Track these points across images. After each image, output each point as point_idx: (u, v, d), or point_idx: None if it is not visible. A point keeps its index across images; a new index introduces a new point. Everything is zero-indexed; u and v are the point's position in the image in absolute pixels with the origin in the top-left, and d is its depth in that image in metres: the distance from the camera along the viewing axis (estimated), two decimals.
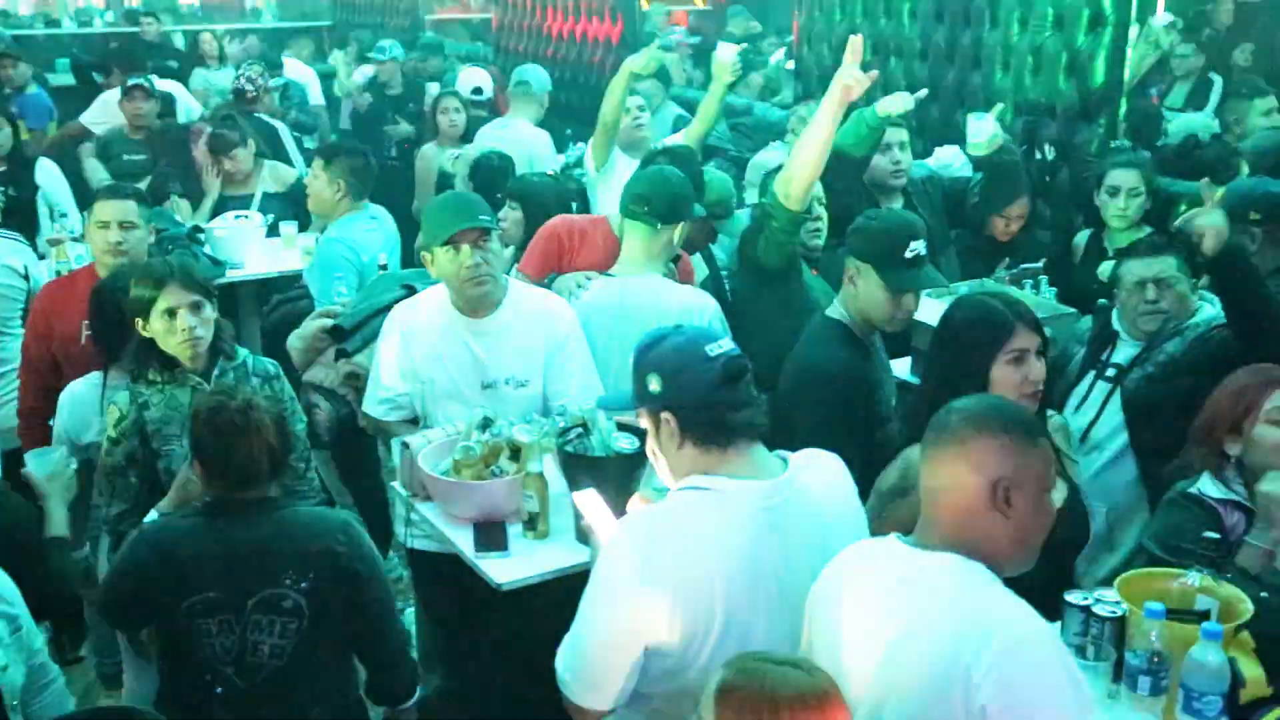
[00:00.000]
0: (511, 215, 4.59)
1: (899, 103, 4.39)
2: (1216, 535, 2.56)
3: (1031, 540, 2.05)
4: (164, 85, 7.47)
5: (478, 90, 6.96)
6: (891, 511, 2.81)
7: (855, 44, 3.64)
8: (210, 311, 3.32)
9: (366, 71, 8.34)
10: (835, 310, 3.37)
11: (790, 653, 2.23)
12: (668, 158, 4.30)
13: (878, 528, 2.74)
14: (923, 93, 4.50)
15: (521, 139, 6.22)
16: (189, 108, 7.96)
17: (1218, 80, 7.37)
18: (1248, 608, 2.38)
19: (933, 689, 1.91)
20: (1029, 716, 1.87)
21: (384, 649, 2.89)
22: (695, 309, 3.63)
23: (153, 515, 2.99)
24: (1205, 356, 3.39)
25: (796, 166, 3.73)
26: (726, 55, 5.05)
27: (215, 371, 3.33)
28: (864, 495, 2.75)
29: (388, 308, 3.64)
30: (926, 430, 2.11)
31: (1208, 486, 2.84)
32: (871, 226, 3.40)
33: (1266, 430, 2.78)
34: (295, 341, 3.94)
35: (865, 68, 3.66)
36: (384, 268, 4.59)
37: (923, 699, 1.93)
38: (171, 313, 3.25)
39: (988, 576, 1.99)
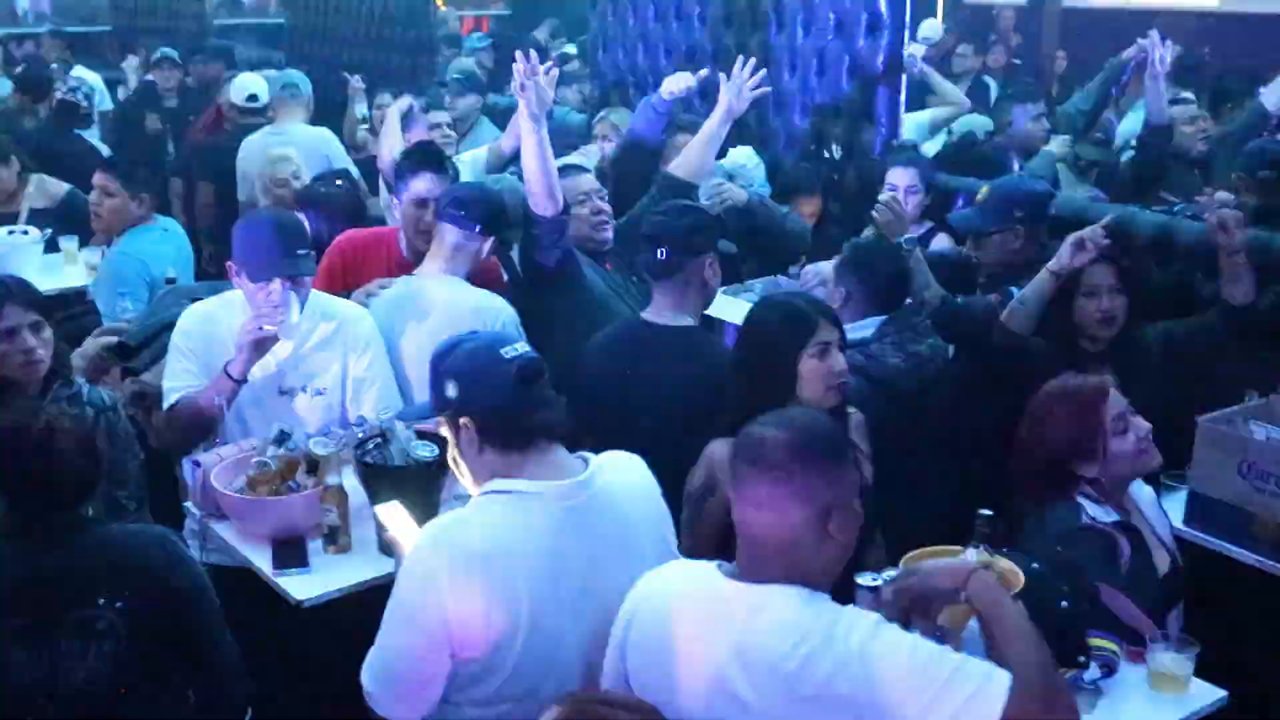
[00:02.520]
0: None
1: (680, 82, 4.52)
2: (990, 512, 2.69)
3: (852, 548, 2.08)
4: None
5: (253, 97, 6.70)
6: (706, 511, 2.87)
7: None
8: (49, 333, 3.14)
9: None
10: (685, 320, 3.40)
11: (598, 660, 2.27)
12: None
13: (697, 530, 2.80)
14: (704, 72, 4.62)
15: (305, 142, 6.02)
16: None
17: (993, 82, 7.78)
18: (1021, 579, 2.52)
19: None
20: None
21: (213, 667, 2.74)
22: (489, 312, 3.63)
23: None
24: None
25: (526, 175, 3.78)
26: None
27: (49, 398, 3.14)
28: None
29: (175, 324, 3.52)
30: (738, 462, 2.07)
31: (1096, 511, 2.85)
32: (701, 219, 3.52)
33: (1119, 442, 2.84)
34: (77, 360, 3.75)
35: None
36: (172, 281, 4.44)
37: None
38: (12, 332, 3.07)
39: (825, 599, 2.01)
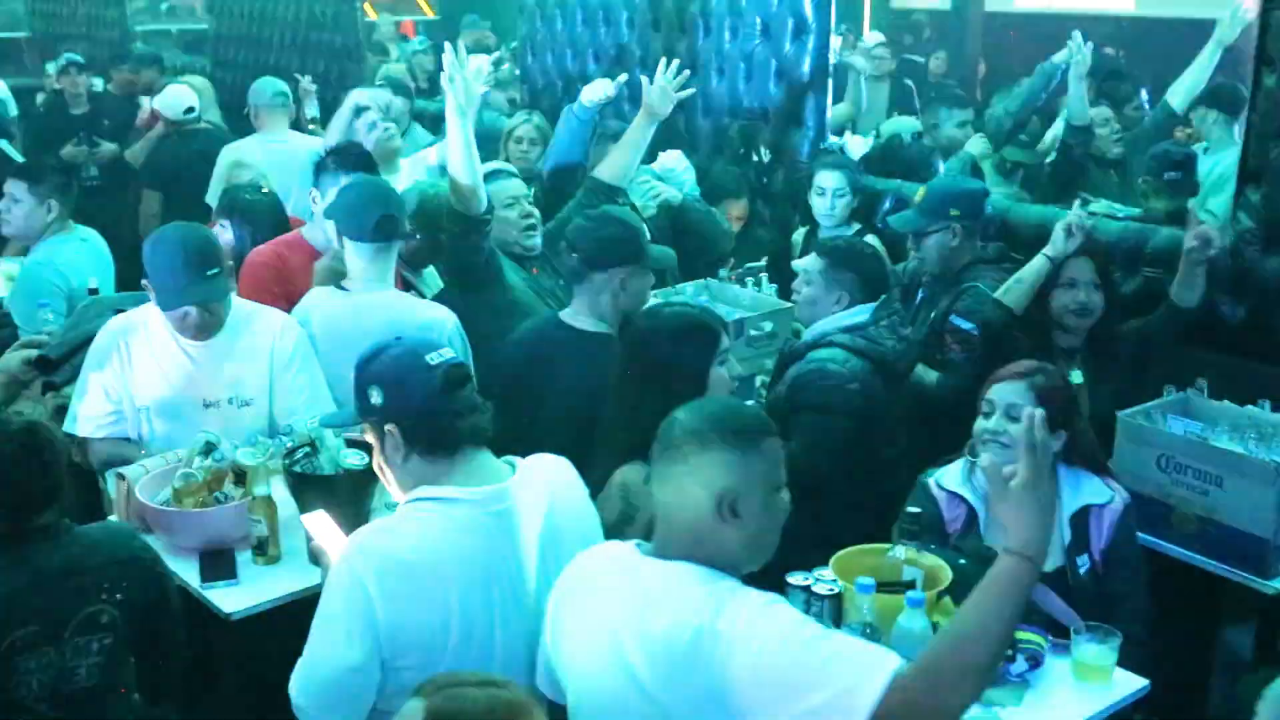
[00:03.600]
0: (223, 235, 4.40)
1: (598, 89, 4.53)
2: (918, 510, 2.73)
3: (765, 540, 2.09)
4: None
5: (190, 110, 6.51)
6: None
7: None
8: None
9: None
10: (597, 325, 3.38)
11: (530, 663, 2.28)
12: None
13: None
14: (623, 77, 4.63)
15: (305, 150, 5.88)
16: None
17: (912, 85, 7.88)
18: (948, 575, 2.56)
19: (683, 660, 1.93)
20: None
21: (175, 646, 2.76)
22: (434, 325, 3.56)
23: None
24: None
25: (451, 174, 3.79)
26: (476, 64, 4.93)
27: None
28: None
29: None
30: (656, 442, 2.11)
31: (947, 477, 2.98)
32: (618, 233, 3.48)
33: (979, 421, 2.94)
34: None
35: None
36: (94, 292, 4.35)
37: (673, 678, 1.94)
38: None
39: (729, 579, 2.02)
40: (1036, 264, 3.68)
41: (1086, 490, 2.96)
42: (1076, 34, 5.28)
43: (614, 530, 2.77)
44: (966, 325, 3.82)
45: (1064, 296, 3.67)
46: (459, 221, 3.81)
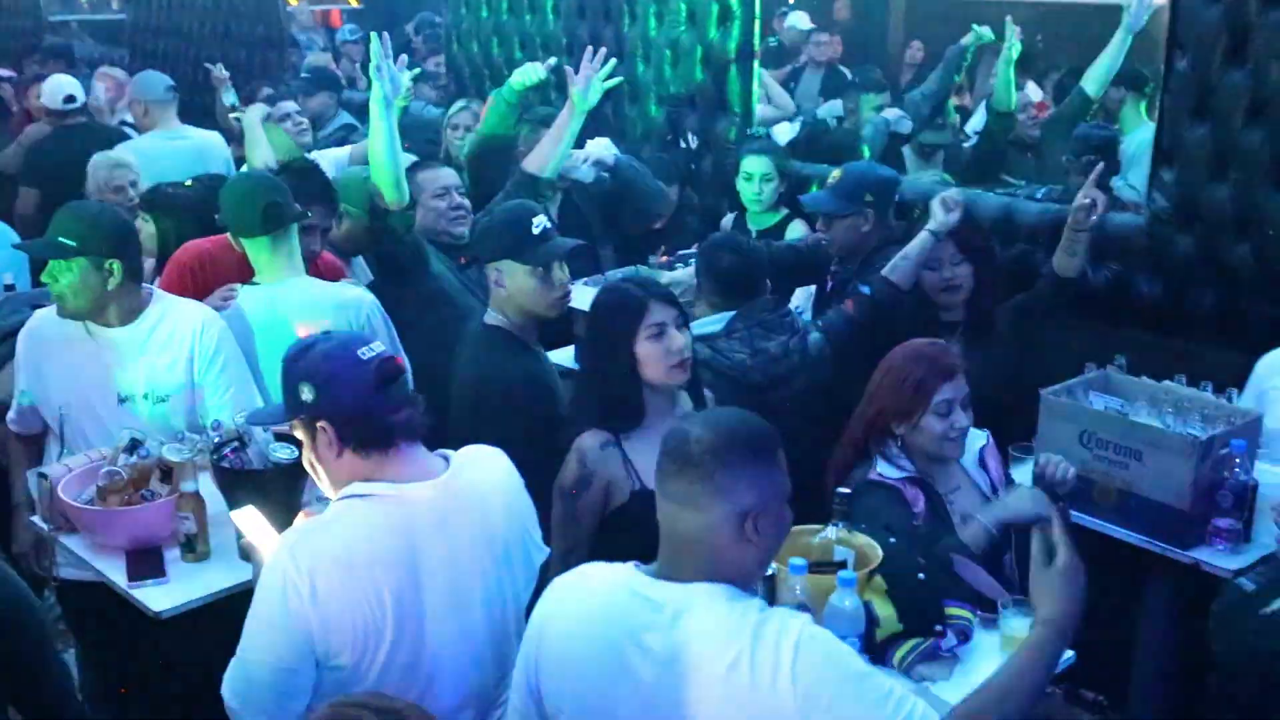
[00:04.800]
0: (145, 229, 4.31)
1: (530, 72, 4.52)
2: (847, 491, 2.76)
3: (773, 555, 2.07)
4: None
5: (70, 99, 6.32)
6: (581, 507, 2.87)
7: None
8: None
9: None
10: (492, 317, 3.34)
11: (466, 659, 2.28)
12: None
13: (571, 530, 2.80)
14: (552, 61, 4.64)
15: (202, 145, 5.87)
16: None
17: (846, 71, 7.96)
18: (878, 554, 2.60)
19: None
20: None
21: (43, 697, 2.58)
22: (353, 306, 3.57)
23: None
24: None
25: (373, 167, 3.80)
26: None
27: None
28: (547, 499, 2.79)
29: (16, 332, 3.39)
30: (663, 458, 2.01)
31: (885, 469, 2.98)
32: (491, 224, 3.48)
33: (934, 421, 2.94)
34: None
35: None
36: (11, 288, 4.26)
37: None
38: None
39: (754, 598, 1.97)
40: (920, 239, 3.72)
41: (971, 440, 3.07)
42: (1009, 19, 5.40)
43: (569, 494, 2.83)
44: (865, 289, 3.85)
45: (930, 278, 3.75)
46: (381, 212, 3.81)
